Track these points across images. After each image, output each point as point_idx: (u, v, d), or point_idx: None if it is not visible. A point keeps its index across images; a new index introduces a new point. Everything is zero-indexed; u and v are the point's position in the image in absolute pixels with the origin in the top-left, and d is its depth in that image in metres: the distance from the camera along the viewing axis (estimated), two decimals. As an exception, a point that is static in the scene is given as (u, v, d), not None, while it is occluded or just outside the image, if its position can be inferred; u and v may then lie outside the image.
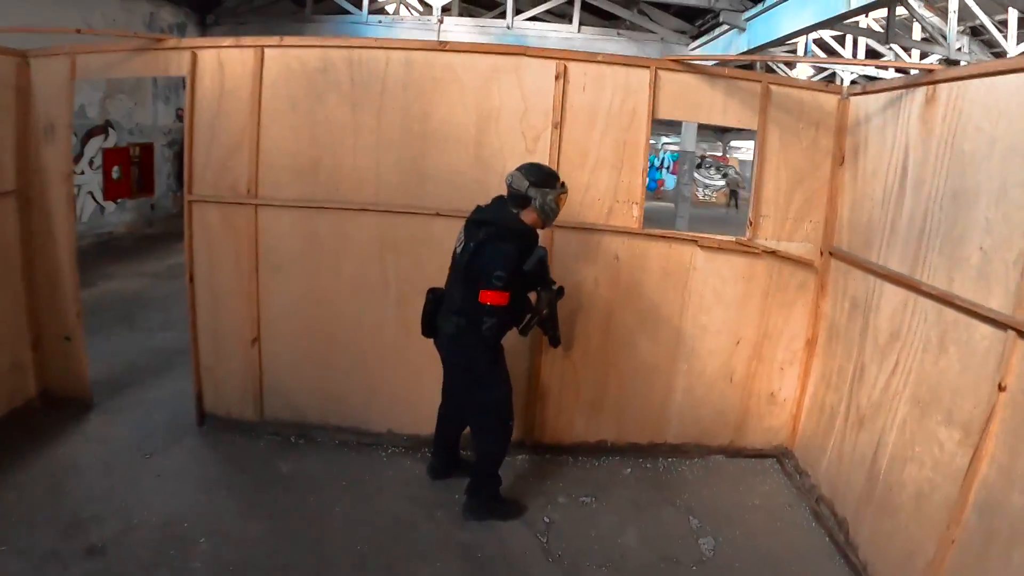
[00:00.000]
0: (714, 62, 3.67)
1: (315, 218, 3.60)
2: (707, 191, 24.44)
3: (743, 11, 7.62)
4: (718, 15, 8.38)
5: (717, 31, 8.74)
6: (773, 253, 3.66)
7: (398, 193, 3.56)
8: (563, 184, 3.00)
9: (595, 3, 10.74)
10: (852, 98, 3.66)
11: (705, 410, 3.83)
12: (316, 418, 3.80)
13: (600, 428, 3.81)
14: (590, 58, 3.50)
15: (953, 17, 7.14)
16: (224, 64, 3.61)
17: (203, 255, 3.70)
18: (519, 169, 2.95)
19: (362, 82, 3.51)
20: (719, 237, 3.68)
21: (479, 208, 3.04)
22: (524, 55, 3.47)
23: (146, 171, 10.26)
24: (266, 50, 3.58)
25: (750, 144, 31.76)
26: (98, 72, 4.00)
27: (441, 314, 3.06)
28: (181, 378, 4.19)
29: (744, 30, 7.72)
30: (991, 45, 8.19)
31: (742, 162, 25.11)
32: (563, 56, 3.49)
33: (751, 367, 3.79)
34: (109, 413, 4.05)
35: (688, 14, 10.28)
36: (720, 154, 26.67)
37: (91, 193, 9.13)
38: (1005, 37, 7.32)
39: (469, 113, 3.49)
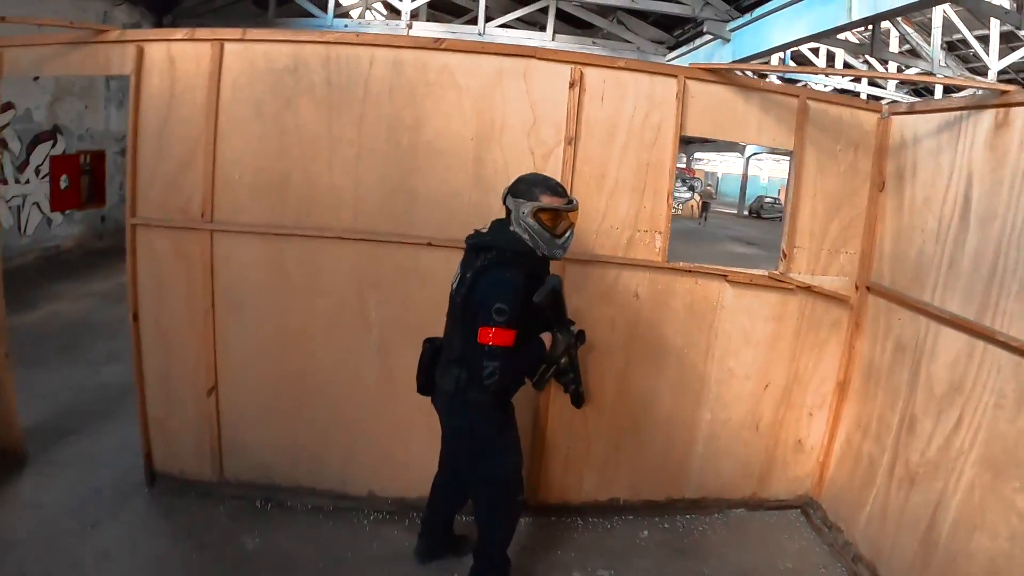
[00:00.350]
0: (748, 72, 3.05)
1: (283, 247, 2.83)
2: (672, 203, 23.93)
3: (728, 21, 7.04)
4: (699, 25, 7.79)
5: (699, 41, 8.15)
6: (808, 288, 3.05)
7: (382, 218, 2.82)
8: (569, 201, 2.25)
9: (570, 11, 10.03)
10: (894, 117, 3.08)
11: (728, 461, 3.20)
12: (285, 479, 3.03)
13: (612, 485, 3.15)
14: (610, 63, 2.82)
15: (937, 32, 6.70)
16: (176, 61, 2.83)
17: (149, 289, 2.90)
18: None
19: (340, 85, 2.76)
20: (750, 271, 3.05)
21: (476, 233, 2.35)
22: (533, 57, 2.77)
23: (97, 180, 8.96)
24: (226, 45, 2.81)
25: (714, 156, 31.53)
26: (29, 68, 3.13)
27: (440, 367, 2.36)
28: (129, 424, 3.33)
29: (728, 40, 7.15)
30: (966, 60, 7.82)
31: (708, 173, 24.80)
32: (579, 60, 2.80)
33: (779, 413, 3.19)
34: (46, 470, 3.22)
35: (666, 24, 9.67)
36: (684, 166, 26.26)
37: (37, 204, 7.90)
38: (987, 52, 6.92)
39: (468, 124, 2.78)
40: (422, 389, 2.44)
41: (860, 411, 3.15)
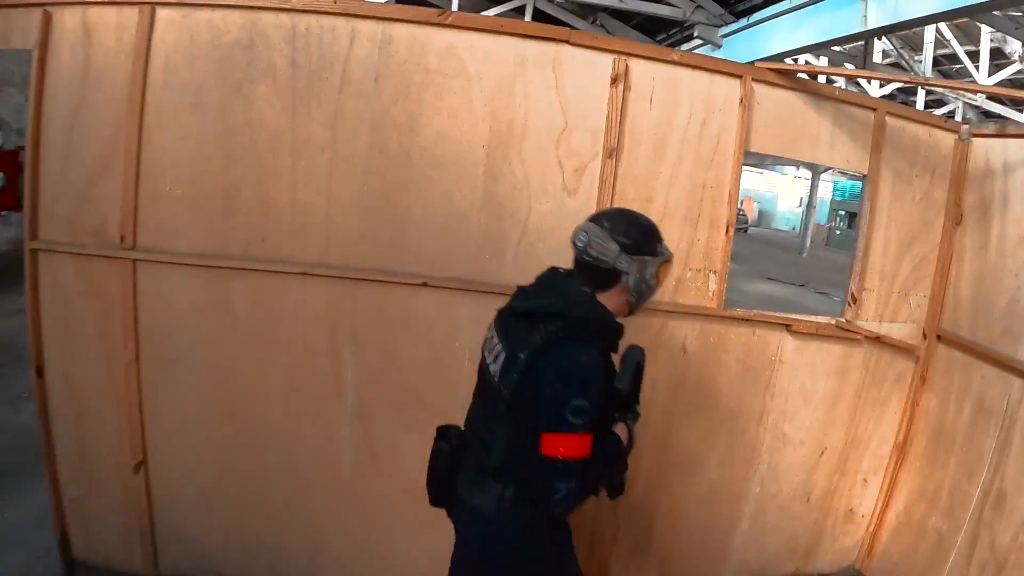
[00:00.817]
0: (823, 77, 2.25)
1: (229, 284, 1.92)
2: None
3: (721, 26, 6.23)
4: (686, 29, 6.96)
5: (685, 47, 7.31)
6: (877, 339, 2.30)
7: (362, 248, 1.93)
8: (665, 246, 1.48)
9: (548, 11, 9.01)
10: (975, 140, 2.33)
11: (773, 537, 2.44)
12: (236, 573, 2.13)
13: (641, 573, 2.35)
14: (663, 55, 1.97)
15: (929, 47, 6.06)
16: (92, 32, 1.90)
17: (56, 335, 1.97)
18: (598, 220, 1.41)
19: (310, 68, 1.86)
20: (815, 320, 2.27)
21: (524, 292, 1.49)
22: (567, 42, 1.91)
23: (38, 179, 7.21)
24: (158, 11, 1.89)
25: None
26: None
27: (467, 476, 1.47)
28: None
29: (720, 47, 6.36)
30: (947, 76, 7.22)
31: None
32: (623, 49, 1.94)
33: (832, 482, 2.44)
34: (-62, 551, 2.26)
35: (648, 27, 8.77)
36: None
37: (-30, 205, 6.17)
38: (977, 68, 6.32)
39: (479, 126, 1.91)
40: (437, 500, 1.54)
41: (925, 479, 2.44)
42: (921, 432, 2.49)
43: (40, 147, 1.93)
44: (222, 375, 1.96)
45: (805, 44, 4.96)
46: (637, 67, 1.94)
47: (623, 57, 1.93)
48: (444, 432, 1.53)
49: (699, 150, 2.02)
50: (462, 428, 1.53)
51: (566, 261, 1.99)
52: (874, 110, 2.23)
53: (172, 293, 1.91)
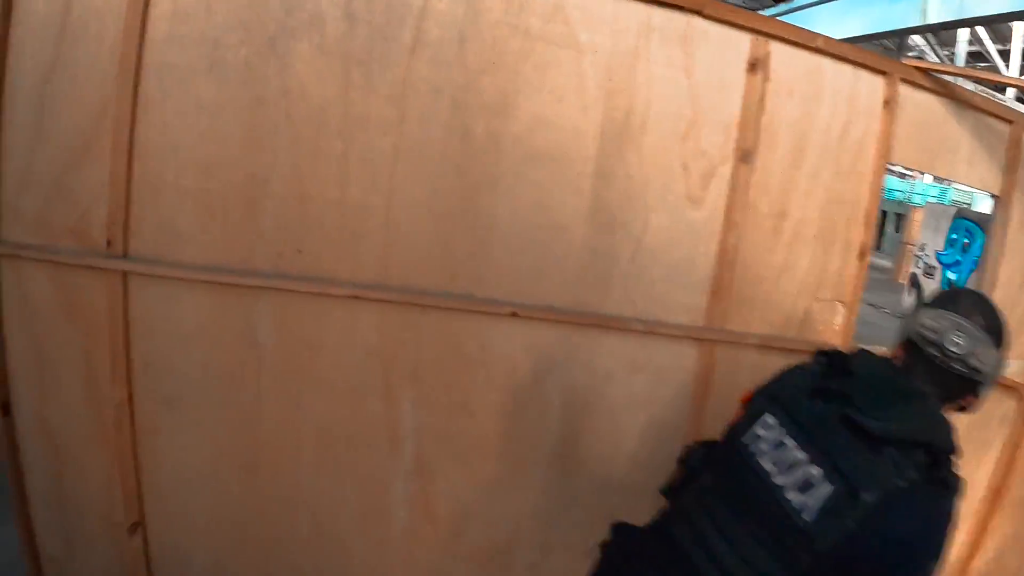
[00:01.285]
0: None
1: (251, 306, 1.46)
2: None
3: (757, 9, 5.83)
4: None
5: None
6: (994, 378, 2.03)
7: (431, 264, 1.50)
8: None
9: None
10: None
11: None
12: (251, 653, 1.75)
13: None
14: (807, 40, 1.57)
15: (963, 46, 5.83)
16: (74, -33, 1.37)
17: (25, 364, 1.48)
18: (968, 315, 1.00)
19: (372, 23, 1.40)
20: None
21: (861, 396, 0.97)
22: (699, 14, 1.48)
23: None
24: (161, -63, 1.38)
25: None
26: None
27: None
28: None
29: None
30: (966, 78, 7.04)
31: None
32: (764, 28, 1.54)
33: (927, 532, 2.19)
34: None
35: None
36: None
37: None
38: (1007, 67, 6.13)
39: (590, 112, 1.49)
40: None
41: (1021, 526, 2.22)
42: (1021, 476, 2.26)
43: (3, 121, 1.42)
44: (241, 420, 1.51)
45: (851, 35, 4.61)
46: (778, 52, 1.55)
47: (763, 39, 1.53)
48: (626, 533, 1.10)
49: (839, 158, 1.65)
50: (642, 527, 1.12)
51: (679, 287, 1.61)
52: (1011, 123, 1.90)
53: (176, 316, 1.45)
